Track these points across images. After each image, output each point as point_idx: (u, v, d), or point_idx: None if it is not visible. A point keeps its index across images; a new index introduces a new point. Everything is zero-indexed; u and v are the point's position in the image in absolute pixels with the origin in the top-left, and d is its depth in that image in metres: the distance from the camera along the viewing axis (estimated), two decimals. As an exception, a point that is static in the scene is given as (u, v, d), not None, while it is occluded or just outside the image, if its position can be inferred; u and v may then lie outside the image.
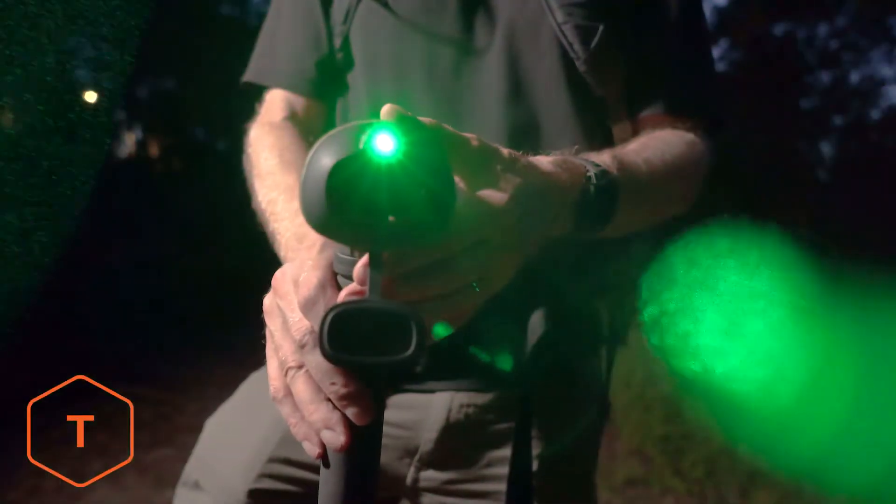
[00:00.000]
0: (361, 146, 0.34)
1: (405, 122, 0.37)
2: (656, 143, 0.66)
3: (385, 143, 0.34)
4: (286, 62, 0.81)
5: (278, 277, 0.45)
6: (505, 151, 0.46)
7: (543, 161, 0.50)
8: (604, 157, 0.56)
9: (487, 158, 0.44)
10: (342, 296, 0.39)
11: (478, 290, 0.41)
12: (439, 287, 0.39)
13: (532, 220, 0.45)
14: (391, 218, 0.35)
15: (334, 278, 0.42)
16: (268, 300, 0.46)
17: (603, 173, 0.53)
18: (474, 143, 0.43)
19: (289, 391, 0.42)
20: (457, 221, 0.39)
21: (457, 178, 0.44)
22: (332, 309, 0.35)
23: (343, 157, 0.34)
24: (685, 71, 0.75)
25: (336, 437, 0.39)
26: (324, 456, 0.41)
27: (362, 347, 0.35)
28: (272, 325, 0.45)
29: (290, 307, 0.43)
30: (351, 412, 0.39)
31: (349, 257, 0.40)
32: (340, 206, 0.34)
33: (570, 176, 0.50)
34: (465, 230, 0.40)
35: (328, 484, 0.41)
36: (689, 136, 0.71)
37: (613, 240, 0.69)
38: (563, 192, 0.49)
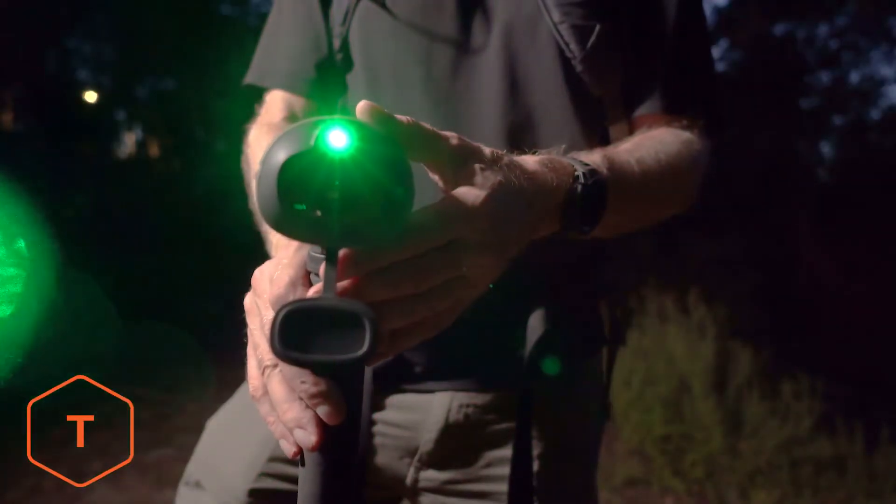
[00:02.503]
0: (313, 142, 0.33)
1: (367, 118, 0.36)
2: (650, 143, 0.65)
3: (338, 139, 0.34)
4: (286, 63, 0.81)
5: (257, 276, 0.46)
6: (487, 150, 0.45)
7: (528, 160, 0.49)
8: (593, 157, 0.55)
9: (467, 157, 0.43)
10: (310, 294, 0.39)
11: (456, 290, 0.41)
12: (411, 286, 0.39)
13: (513, 220, 0.44)
14: (346, 216, 0.34)
15: (307, 276, 0.42)
16: (248, 299, 0.46)
17: (591, 173, 0.51)
18: (453, 141, 0.43)
19: (266, 390, 0.42)
20: (427, 219, 0.39)
21: (435, 177, 0.44)
22: (284, 307, 0.34)
23: (295, 152, 0.34)
24: (682, 70, 0.74)
25: (307, 437, 0.39)
26: (300, 455, 0.41)
27: (317, 346, 0.35)
28: (252, 324, 0.45)
29: (265, 305, 0.43)
30: (322, 411, 0.38)
31: (320, 255, 0.39)
32: (292, 203, 0.34)
33: (556, 175, 0.49)
34: (434, 228, 0.39)
35: (306, 484, 0.41)
36: (686, 135, 0.70)
37: (614, 239, 0.68)
38: (547, 191, 0.48)
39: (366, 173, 0.34)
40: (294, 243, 0.46)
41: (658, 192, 0.65)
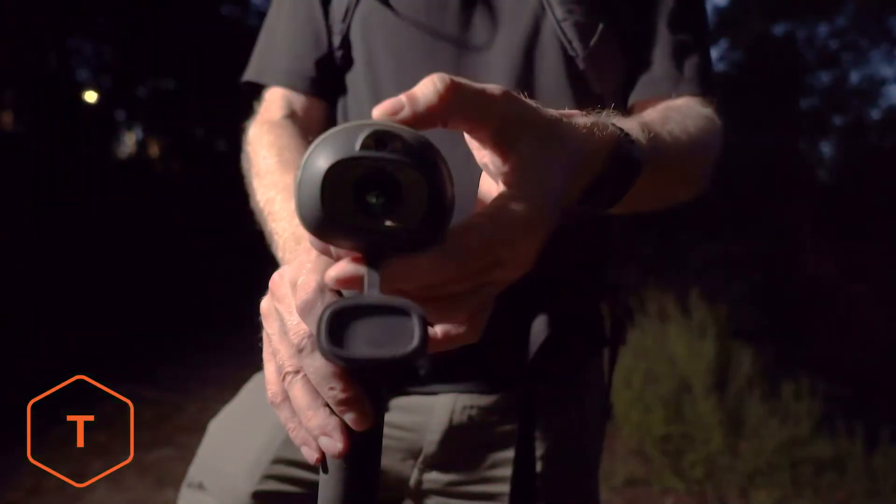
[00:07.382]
0: (358, 147, 0.33)
1: (405, 122, 0.36)
2: (676, 115, 0.62)
3: (383, 144, 0.33)
4: (285, 60, 0.80)
5: (276, 280, 0.44)
6: (540, 115, 0.39)
7: (579, 127, 0.42)
8: (630, 124, 0.50)
9: (517, 121, 0.38)
10: (328, 275, 0.37)
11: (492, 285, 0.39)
12: (448, 295, 0.37)
13: (556, 210, 0.39)
14: (388, 222, 0.34)
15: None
16: (265, 303, 0.45)
17: (630, 146, 0.46)
18: (496, 91, 0.37)
19: (286, 396, 0.42)
20: (472, 242, 0.35)
21: (474, 144, 0.40)
22: (329, 306, 0.34)
23: (339, 158, 0.33)
24: (688, 60, 0.73)
25: (333, 444, 0.39)
26: (322, 461, 0.41)
27: (362, 345, 0.34)
28: (270, 329, 0.44)
29: (287, 311, 0.42)
30: (349, 417, 0.38)
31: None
32: (336, 209, 0.34)
33: (602, 145, 0.44)
34: (478, 250, 0.35)
35: (327, 490, 0.41)
36: (707, 110, 0.68)
37: (616, 240, 0.68)
38: (589, 168, 0.43)
39: (409, 178, 0.34)
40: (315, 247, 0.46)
41: (682, 168, 0.61)
